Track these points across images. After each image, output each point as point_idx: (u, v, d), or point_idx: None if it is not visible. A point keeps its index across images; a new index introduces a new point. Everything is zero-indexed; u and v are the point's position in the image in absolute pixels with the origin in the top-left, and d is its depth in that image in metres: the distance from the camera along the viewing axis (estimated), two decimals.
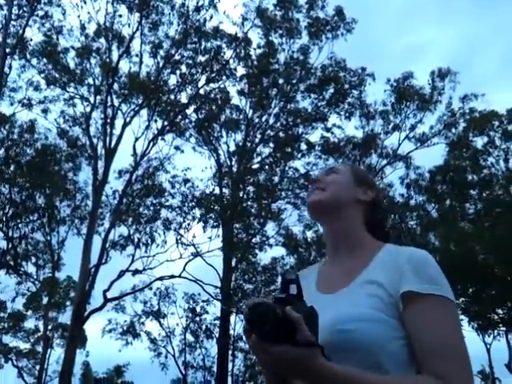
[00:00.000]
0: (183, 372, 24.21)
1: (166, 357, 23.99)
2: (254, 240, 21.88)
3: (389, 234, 1.42)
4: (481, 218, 21.43)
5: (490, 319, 20.23)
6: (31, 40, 19.54)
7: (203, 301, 23.06)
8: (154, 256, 19.43)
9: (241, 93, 22.78)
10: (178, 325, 23.98)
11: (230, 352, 22.37)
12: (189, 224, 20.52)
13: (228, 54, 21.17)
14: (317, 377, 1.03)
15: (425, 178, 22.78)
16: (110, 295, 18.81)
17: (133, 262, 19.34)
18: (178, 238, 20.15)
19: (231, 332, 22.52)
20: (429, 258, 1.21)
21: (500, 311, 19.91)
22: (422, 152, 23.24)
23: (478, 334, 21.80)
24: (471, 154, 22.29)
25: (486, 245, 18.14)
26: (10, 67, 18.66)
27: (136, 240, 19.48)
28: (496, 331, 21.32)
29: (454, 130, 22.78)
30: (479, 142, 22.82)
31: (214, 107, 22.38)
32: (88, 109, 20.18)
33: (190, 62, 20.40)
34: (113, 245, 19.31)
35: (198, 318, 23.66)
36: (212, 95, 21.96)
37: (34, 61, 19.96)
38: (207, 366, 23.91)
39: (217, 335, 22.21)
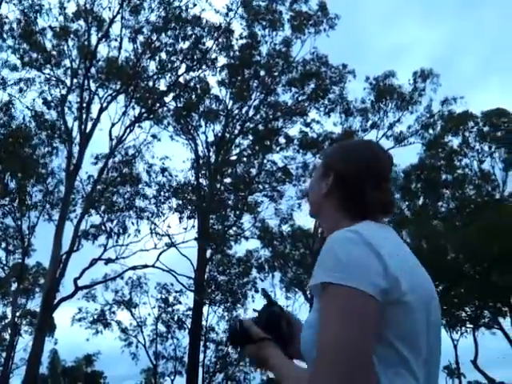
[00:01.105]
0: (154, 362, 24.10)
1: (137, 346, 23.87)
2: (229, 232, 21.82)
3: (365, 203, 1.22)
4: (452, 217, 21.86)
5: (458, 316, 20.72)
6: (7, 18, 18.94)
7: (176, 291, 22.98)
8: (127, 245, 19.21)
9: (221, 83, 22.61)
10: (149, 315, 23.86)
11: (202, 343, 22.34)
12: (164, 214, 20.34)
13: (209, 43, 20.97)
14: (269, 365, 1.27)
15: (399, 176, 23.05)
16: (80, 283, 18.53)
17: (105, 250, 19.08)
18: (153, 227, 19.97)
19: (203, 323, 22.50)
20: (331, 239, 1.09)
21: (468, 309, 20.42)
22: (398, 150, 23.55)
23: (446, 331, 22.29)
24: (446, 154, 22.67)
25: (456, 243, 18.52)
26: None
27: (109, 229, 19.19)
28: (463, 328, 21.83)
29: (431, 131, 23.11)
30: (455, 142, 23.24)
31: (193, 96, 22.14)
32: (64, 91, 19.72)
33: (170, 49, 20.11)
34: (85, 234, 18.98)
35: (170, 309, 23.56)
36: (192, 84, 21.71)
37: (10, 41, 19.38)
38: (178, 357, 23.88)
39: (189, 326, 22.14)
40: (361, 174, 1.26)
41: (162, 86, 20.89)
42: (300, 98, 22.29)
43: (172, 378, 24.52)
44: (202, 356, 22.25)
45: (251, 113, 22.60)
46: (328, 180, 1.31)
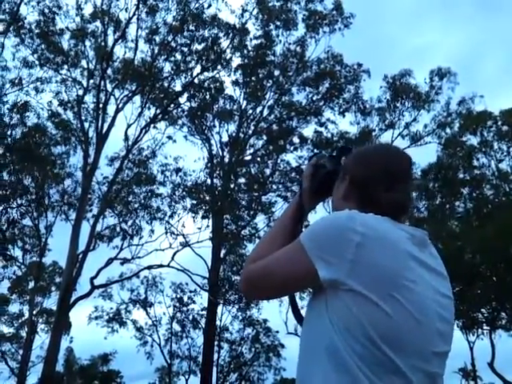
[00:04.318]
0: (168, 361, 24.22)
1: (152, 346, 24.02)
2: (243, 232, 21.84)
3: (381, 205, 1.25)
4: (470, 218, 21.56)
5: (474, 318, 20.43)
6: (25, 18, 19.21)
7: (191, 291, 23.08)
8: (142, 245, 19.36)
9: (235, 83, 22.64)
10: (164, 314, 24.00)
11: (216, 343, 22.40)
12: (179, 214, 20.45)
13: (224, 43, 21.03)
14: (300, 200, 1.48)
15: (417, 175, 22.83)
16: (97, 282, 18.72)
17: (121, 250, 19.25)
18: (168, 227, 20.08)
19: (218, 323, 22.55)
20: (323, 218, 1.23)
21: (484, 311, 20.12)
22: (414, 150, 23.32)
23: (462, 333, 22.00)
24: (464, 152, 22.37)
25: (473, 244, 18.26)
26: (3, 46, 18.34)
27: (124, 231, 19.34)
28: (480, 330, 21.53)
29: (448, 130, 22.84)
30: (473, 141, 22.92)
31: (207, 96, 22.22)
32: (80, 92, 19.94)
33: (186, 49, 20.20)
34: (100, 237, 19.16)
35: (184, 308, 23.66)
36: (206, 84, 21.79)
37: (28, 40, 19.64)
38: (193, 356, 23.97)
39: (203, 325, 22.21)
40: (374, 177, 1.29)
41: (178, 86, 21.04)
42: (314, 98, 22.22)
43: (186, 377, 24.66)
44: (216, 355, 22.34)
45: (265, 113, 22.61)
46: (345, 184, 1.35)
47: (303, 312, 1.34)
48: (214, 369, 21.97)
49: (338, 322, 1.11)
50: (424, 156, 29.10)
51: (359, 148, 1.47)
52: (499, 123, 22.51)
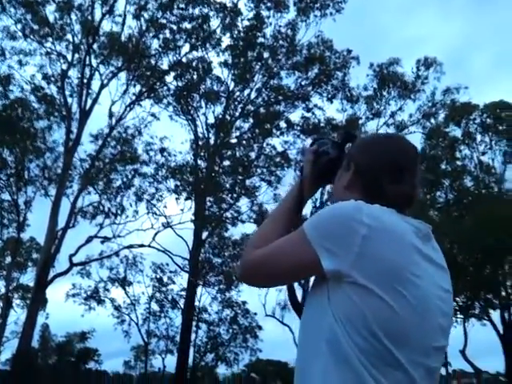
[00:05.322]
0: (146, 340, 24.28)
1: (130, 324, 23.99)
2: (226, 215, 21.83)
3: (386, 196, 1.22)
4: (449, 208, 21.93)
5: None
6: None
7: (171, 271, 23.06)
8: (124, 224, 19.21)
9: (224, 64, 22.37)
10: (143, 293, 23.95)
11: (194, 323, 22.51)
12: (161, 194, 20.31)
13: (214, 23, 20.69)
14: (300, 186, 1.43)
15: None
16: (76, 260, 18.55)
17: (101, 228, 19.07)
18: (150, 207, 19.95)
19: (197, 303, 22.65)
20: (329, 207, 1.21)
21: (459, 299, 20.61)
22: None
23: None
24: (447, 143, 22.61)
25: (452, 234, 18.60)
26: None
27: (107, 209, 19.14)
28: (453, 318, 22.07)
29: (432, 120, 23.01)
30: (457, 132, 23.15)
31: (194, 76, 21.91)
32: (65, 66, 19.46)
33: (175, 27, 19.84)
34: (82, 214, 18.92)
35: (164, 288, 23.65)
36: (194, 64, 21.47)
37: (11, 9, 19.02)
38: (170, 336, 24.07)
39: (182, 306, 22.27)
40: (379, 167, 1.26)
41: (165, 64, 20.69)
42: (303, 83, 22.11)
43: (163, 356, 24.78)
44: (193, 336, 22.48)
45: (253, 95, 22.44)
46: (349, 173, 1.31)
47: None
48: (191, 349, 22.14)
49: (340, 315, 1.10)
50: None
51: (365, 136, 1.45)
52: (484, 116, 22.78)
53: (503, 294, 20.30)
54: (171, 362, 24.05)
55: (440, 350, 1.17)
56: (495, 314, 20.46)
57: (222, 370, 25.95)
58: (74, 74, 19.50)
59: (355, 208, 1.14)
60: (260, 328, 24.18)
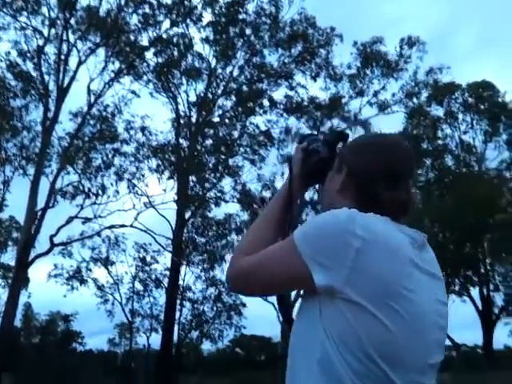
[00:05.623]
0: (130, 319, 24.33)
1: (113, 304, 23.98)
2: (209, 194, 21.71)
3: (380, 202, 1.16)
4: (430, 187, 22.15)
5: None
6: None
7: (154, 251, 22.99)
8: (105, 204, 18.98)
9: (205, 40, 21.92)
10: (126, 273, 23.89)
11: (178, 302, 22.59)
12: (143, 174, 20.07)
13: None
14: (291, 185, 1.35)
15: None
16: (56, 240, 18.33)
17: (82, 208, 18.81)
18: (131, 187, 19.72)
19: (181, 282, 22.69)
20: (319, 217, 1.14)
21: None
22: (381, 118, 23.46)
23: None
24: (429, 122, 22.69)
25: (433, 213, 18.83)
26: None
27: (87, 189, 18.83)
28: None
29: (415, 100, 23.00)
30: (440, 112, 23.21)
31: (175, 53, 21.45)
32: (41, 42, 18.86)
33: (155, 2, 19.31)
34: (62, 194, 18.59)
35: (147, 268, 23.62)
36: (174, 40, 21.00)
37: None
38: (154, 315, 24.14)
39: (166, 285, 22.29)
40: (373, 173, 1.18)
41: (145, 41, 20.20)
42: (286, 61, 21.83)
43: (148, 334, 24.88)
44: (178, 314, 22.58)
45: (235, 73, 22.11)
46: (341, 175, 1.23)
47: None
48: (176, 327, 22.27)
49: (333, 333, 1.04)
50: (390, 125, 29.41)
51: (358, 138, 1.35)
52: (466, 95, 22.85)
53: (482, 271, 20.74)
54: (156, 340, 24.21)
55: (435, 366, 1.13)
56: (475, 291, 20.98)
57: (206, 346, 26.22)
58: (50, 50, 18.93)
59: (348, 218, 1.07)
60: (244, 305, 24.41)
